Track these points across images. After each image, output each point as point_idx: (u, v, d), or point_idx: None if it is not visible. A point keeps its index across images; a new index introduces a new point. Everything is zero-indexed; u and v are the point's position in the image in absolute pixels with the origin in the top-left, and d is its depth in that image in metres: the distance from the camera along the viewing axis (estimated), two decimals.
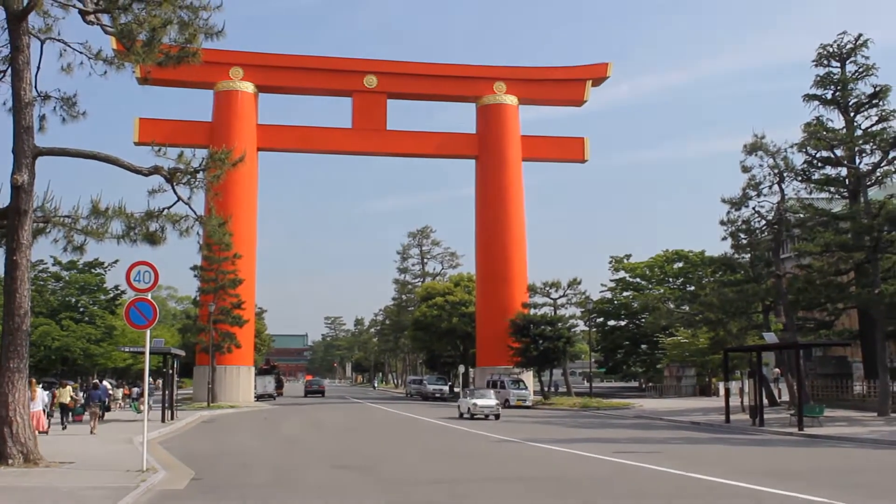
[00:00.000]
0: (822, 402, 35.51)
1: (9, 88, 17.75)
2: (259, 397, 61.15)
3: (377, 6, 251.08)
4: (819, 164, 37.76)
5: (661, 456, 20.16)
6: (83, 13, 18.02)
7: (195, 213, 19.07)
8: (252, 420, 38.41)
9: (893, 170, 35.42)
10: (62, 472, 16.11)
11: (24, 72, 17.58)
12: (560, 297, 57.98)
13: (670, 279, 70.08)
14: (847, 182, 37.76)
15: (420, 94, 63.68)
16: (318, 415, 43.38)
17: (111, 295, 68.97)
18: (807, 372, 39.58)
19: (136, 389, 47.31)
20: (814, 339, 40.17)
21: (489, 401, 37.60)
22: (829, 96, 37.93)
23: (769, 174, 37.86)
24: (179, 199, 18.76)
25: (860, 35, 37.60)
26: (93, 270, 67.46)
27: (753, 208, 39.07)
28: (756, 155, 37.76)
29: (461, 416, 37.66)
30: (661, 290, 67.67)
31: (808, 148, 36.92)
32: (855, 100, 37.28)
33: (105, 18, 18.28)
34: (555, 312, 57.72)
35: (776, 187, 38.19)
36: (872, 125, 36.80)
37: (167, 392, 36.04)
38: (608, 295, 71.99)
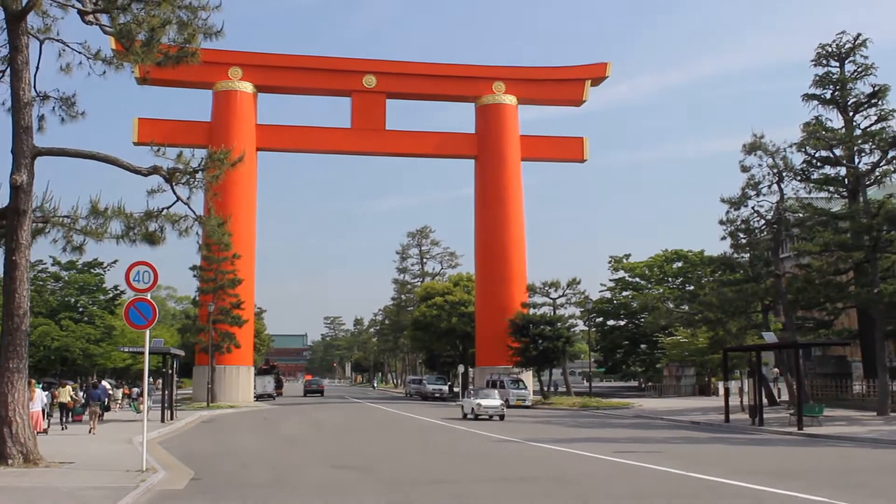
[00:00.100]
0: (822, 401, 35.52)
1: (8, 88, 17.77)
2: (258, 397, 61.15)
3: (376, 6, 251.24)
4: (818, 164, 37.78)
5: (661, 456, 20.17)
6: (82, 13, 18.01)
7: (194, 213, 19.08)
8: (251, 420, 38.40)
9: (892, 169, 35.44)
10: (62, 472, 16.10)
11: (23, 72, 17.57)
12: (559, 296, 58.07)
13: (669, 279, 70.09)
14: (846, 181, 37.78)
15: (419, 93, 63.67)
16: (317, 415, 43.37)
17: (110, 295, 68.93)
18: (806, 371, 39.60)
19: (135, 389, 47.27)
20: (813, 339, 40.20)
21: (494, 401, 36.88)
22: (828, 96, 37.94)
23: (768, 174, 37.92)
24: (178, 199, 18.76)
25: (859, 35, 37.63)
26: (92, 270, 67.42)
27: (753, 208, 39.14)
28: (755, 155, 37.82)
29: (465, 416, 37.24)
30: (661, 290, 67.69)
31: (808, 147, 36.94)
32: (854, 99, 37.29)
33: (104, 18, 18.26)
34: (554, 312, 57.74)
35: (775, 187, 38.25)
36: (871, 125, 36.82)
37: (167, 392, 36.01)
38: (607, 295, 72.01)
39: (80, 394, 34.42)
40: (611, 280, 72.94)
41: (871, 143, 35.69)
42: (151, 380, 63.97)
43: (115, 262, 67.52)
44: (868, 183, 36.06)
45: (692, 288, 61.79)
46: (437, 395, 63.70)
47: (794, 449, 22.97)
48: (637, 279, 71.47)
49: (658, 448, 22.55)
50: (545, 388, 58.75)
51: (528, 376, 58.38)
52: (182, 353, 41.66)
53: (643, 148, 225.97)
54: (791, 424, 29.58)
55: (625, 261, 72.31)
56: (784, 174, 37.79)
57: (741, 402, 38.37)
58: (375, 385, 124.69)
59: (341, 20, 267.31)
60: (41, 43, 18.55)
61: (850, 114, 37.50)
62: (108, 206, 18.29)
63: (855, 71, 37.48)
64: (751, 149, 37.76)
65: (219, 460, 19.86)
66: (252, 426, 34.11)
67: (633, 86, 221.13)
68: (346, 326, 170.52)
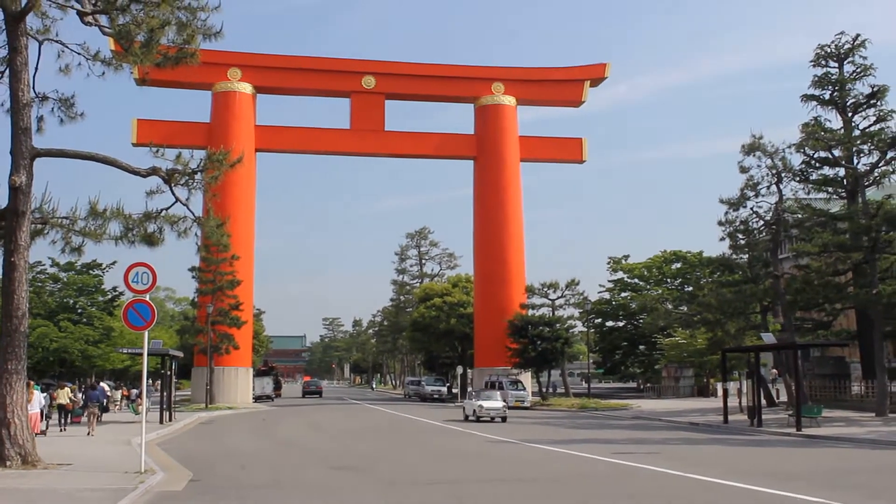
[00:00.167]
0: (820, 402, 35.54)
1: (6, 89, 17.78)
2: (257, 398, 61.12)
3: (375, 6, 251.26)
4: (817, 165, 37.81)
5: (660, 457, 20.17)
6: (81, 14, 18.01)
7: (193, 214, 19.08)
8: (250, 421, 38.37)
9: (891, 170, 35.45)
10: (60, 473, 16.09)
11: (22, 73, 17.57)
12: (558, 297, 58.10)
13: (668, 280, 70.13)
14: (845, 182, 37.81)
15: (418, 94, 63.67)
16: (316, 416, 43.34)
17: (109, 296, 68.87)
18: (805, 372, 39.63)
19: (134, 391, 47.28)
20: (812, 340, 40.22)
21: (496, 402, 36.28)
22: (827, 97, 37.99)
23: (767, 175, 37.94)
24: (177, 200, 18.76)
25: (858, 35, 37.68)
26: (91, 272, 67.37)
27: (751, 209, 39.18)
28: (754, 155, 37.84)
29: (466, 418, 36.70)
30: (660, 291, 67.71)
31: (806, 148, 36.97)
32: (853, 100, 37.32)
33: (103, 19, 18.26)
34: (553, 313, 57.76)
35: (774, 188, 38.27)
36: (870, 125, 36.85)
37: (165, 393, 35.99)
38: (606, 296, 72.05)
39: (79, 395, 34.40)
40: (609, 281, 73.04)
41: (869, 144, 35.73)
42: (150, 381, 64.04)
43: (113, 263, 67.62)
44: (867, 184, 36.09)
45: (691, 289, 61.82)
46: (435, 396, 63.66)
47: (793, 450, 22.98)
48: (636, 280, 71.51)
49: (657, 449, 22.56)
50: (544, 390, 58.77)
51: (526, 377, 58.39)
52: (181, 354, 41.63)
53: (642, 148, 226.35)
54: (790, 425, 29.59)
55: (623, 262, 72.35)
56: (783, 175, 37.82)
57: (740, 403, 38.38)
58: (374, 386, 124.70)
59: (340, 21, 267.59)
60: (40, 44, 18.56)
61: (849, 114, 37.53)
62: (106, 208, 18.29)
63: (854, 71, 37.52)
64: (749, 149, 37.79)
65: (217, 461, 19.85)
66: (251, 427, 34.09)
67: (633, 86, 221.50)
68: (344, 328, 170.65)
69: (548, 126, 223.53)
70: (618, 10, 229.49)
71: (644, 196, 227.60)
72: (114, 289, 68.93)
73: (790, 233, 40.38)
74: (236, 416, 42.74)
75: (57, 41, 18.73)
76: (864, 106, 37.16)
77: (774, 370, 44.03)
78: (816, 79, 37.99)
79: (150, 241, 18.65)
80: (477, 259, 62.88)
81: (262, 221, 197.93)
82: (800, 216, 38.82)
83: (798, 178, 37.96)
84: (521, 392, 51.29)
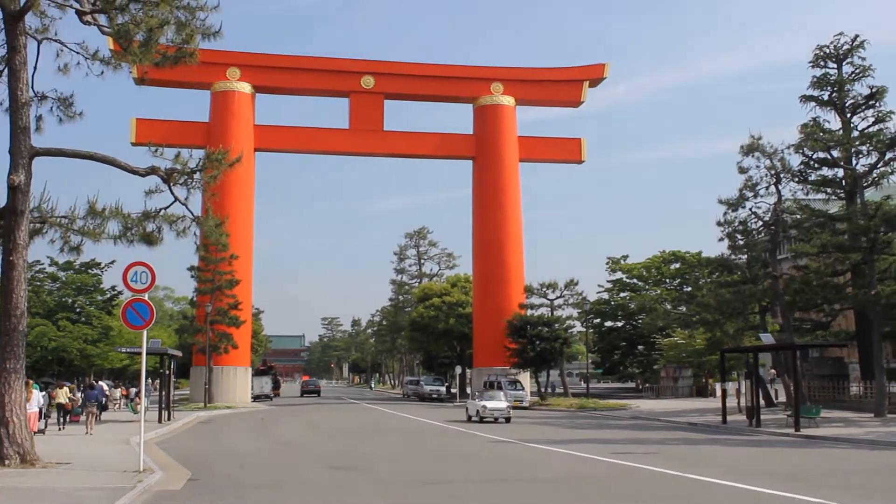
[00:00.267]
0: (819, 402, 35.56)
1: (5, 89, 17.79)
2: (256, 398, 61.12)
3: (374, 6, 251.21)
4: (816, 166, 37.83)
5: (659, 457, 20.18)
6: (80, 13, 18.00)
7: (192, 213, 19.09)
8: (249, 421, 38.36)
9: (890, 171, 35.49)
10: (59, 472, 16.09)
11: (21, 72, 17.56)
12: (557, 297, 58.11)
13: (667, 280, 70.13)
14: (844, 183, 37.84)
15: (417, 94, 63.66)
16: (314, 416, 43.34)
17: (108, 295, 68.88)
18: (803, 373, 39.65)
19: (133, 390, 47.25)
20: (810, 340, 40.24)
21: (499, 403, 35.48)
22: (825, 97, 38.01)
23: (766, 175, 37.97)
24: (176, 199, 18.76)
25: (857, 36, 37.72)
26: (89, 271, 67.37)
27: (750, 209, 39.20)
28: (753, 156, 37.87)
29: (469, 418, 36.12)
30: (658, 291, 67.73)
31: (805, 149, 36.99)
32: (851, 101, 37.35)
33: (102, 19, 18.26)
34: (552, 313, 57.76)
35: (773, 188, 38.29)
36: (869, 126, 36.90)
37: (164, 392, 35.98)
38: (605, 296, 72.05)
39: (78, 395, 34.41)
40: (608, 281, 73.03)
41: (868, 145, 35.75)
42: (150, 381, 64.05)
43: (112, 262, 67.56)
44: (865, 184, 36.12)
45: (690, 289, 61.82)
46: (434, 395, 63.66)
47: (791, 450, 22.99)
48: (634, 280, 71.51)
49: (655, 449, 22.57)
50: (542, 390, 58.78)
51: (525, 377, 58.40)
52: (179, 353, 41.61)
53: (641, 149, 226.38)
54: (788, 426, 29.60)
55: (622, 262, 72.36)
56: (782, 176, 37.85)
57: (738, 403, 38.40)
58: (373, 386, 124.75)
59: (339, 21, 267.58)
60: (39, 43, 18.55)
61: (848, 115, 37.55)
62: (105, 207, 18.29)
63: (853, 72, 37.55)
64: (748, 150, 37.81)
65: (216, 461, 19.84)
66: (249, 427, 34.08)
67: (632, 86, 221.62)
68: (343, 327, 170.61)
69: (547, 126, 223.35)
70: (617, 10, 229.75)
71: (643, 196, 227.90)
72: (112, 288, 68.99)
73: (789, 233, 40.40)
74: (235, 416, 42.73)
75: (56, 40, 18.75)
76: (863, 107, 37.19)
77: (773, 370, 44.08)
78: (815, 79, 38.01)
79: (149, 240, 18.66)
80: (476, 259, 62.88)
81: (260, 221, 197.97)
82: (798, 217, 38.84)
83: (797, 179, 37.99)
84: (520, 392, 51.29)
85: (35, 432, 22.05)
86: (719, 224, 39.66)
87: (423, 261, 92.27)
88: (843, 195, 38.38)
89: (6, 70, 17.77)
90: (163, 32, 17.83)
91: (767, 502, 13.22)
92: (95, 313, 65.73)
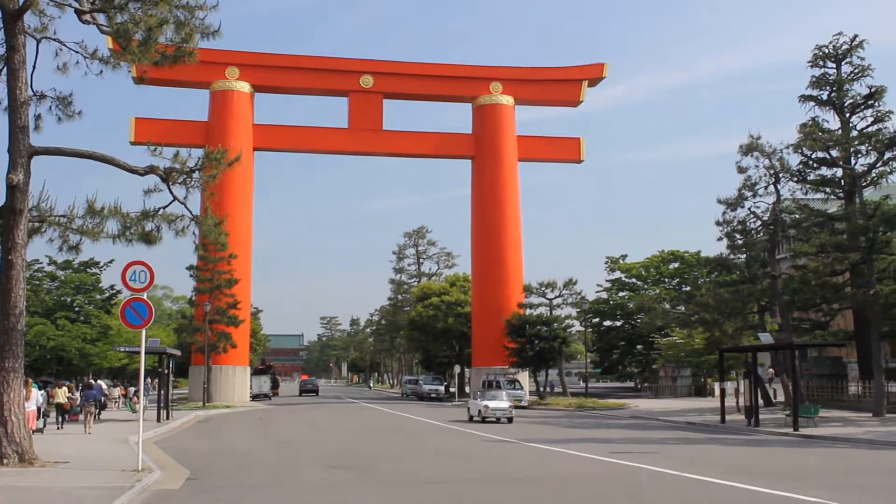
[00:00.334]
0: (818, 402, 35.58)
1: (4, 88, 17.79)
2: (255, 397, 61.14)
3: (373, 6, 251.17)
4: (815, 165, 37.87)
5: (658, 456, 20.19)
6: (79, 12, 18.00)
7: (191, 212, 19.09)
8: (248, 420, 38.37)
9: (889, 170, 35.52)
10: (57, 471, 16.09)
11: (20, 71, 17.56)
12: (556, 297, 58.12)
13: (666, 279, 70.11)
14: (842, 183, 37.86)
15: (416, 94, 63.64)
16: (313, 415, 43.35)
17: (107, 294, 68.85)
18: (802, 372, 39.67)
19: (132, 389, 47.24)
20: (809, 340, 40.24)
21: (502, 402, 35.03)
22: (824, 97, 38.03)
23: (765, 175, 38.02)
24: (175, 198, 18.77)
25: (856, 36, 37.73)
26: (88, 270, 67.34)
27: (749, 209, 39.23)
28: (752, 156, 37.90)
29: (471, 418, 35.77)
30: (657, 291, 67.69)
31: (804, 149, 37.03)
32: (850, 101, 37.37)
33: (101, 18, 18.25)
34: (550, 313, 57.77)
35: (772, 188, 38.33)
36: (868, 126, 36.92)
37: (163, 392, 35.99)
38: (604, 295, 72.01)
39: (77, 394, 34.44)
40: (607, 281, 72.97)
41: (867, 145, 35.77)
42: (149, 380, 63.99)
43: (111, 261, 67.58)
44: (864, 184, 36.15)
45: (688, 289, 61.72)
46: (433, 395, 63.69)
47: (790, 450, 23.01)
48: (633, 280, 71.49)
49: (654, 449, 22.58)
50: (541, 389, 58.80)
51: (524, 377, 58.43)
52: (178, 352, 41.63)
53: (640, 148, 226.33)
54: (787, 425, 29.61)
55: (621, 261, 72.32)
56: (780, 175, 37.88)
57: (737, 402, 38.41)
58: (371, 385, 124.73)
59: (338, 20, 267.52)
60: (38, 42, 18.55)
61: (847, 115, 37.57)
62: (104, 206, 18.30)
63: (852, 72, 37.56)
64: (747, 150, 37.84)
65: (215, 460, 19.84)
66: (248, 426, 34.09)
67: (631, 86, 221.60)
68: (342, 326, 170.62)
69: (546, 126, 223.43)
70: (617, 10, 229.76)
71: (642, 196, 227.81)
72: (111, 287, 68.97)
73: (788, 233, 40.41)
74: (234, 415, 42.74)
75: (55, 39, 18.74)
76: (862, 106, 37.22)
77: (771, 370, 44.11)
78: (814, 79, 38.03)
79: (148, 239, 18.66)
80: (475, 258, 62.88)
81: (259, 220, 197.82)
82: (797, 216, 38.87)
83: (796, 179, 38.02)
84: (519, 391, 51.29)
85: (33, 431, 22.06)
86: (718, 224, 39.71)
87: (421, 260, 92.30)
88: (841, 195, 38.40)
89: (5, 69, 17.77)
90: (162, 31, 17.83)
91: (766, 502, 13.23)
92: (94, 312, 65.71)
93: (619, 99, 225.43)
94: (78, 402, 30.72)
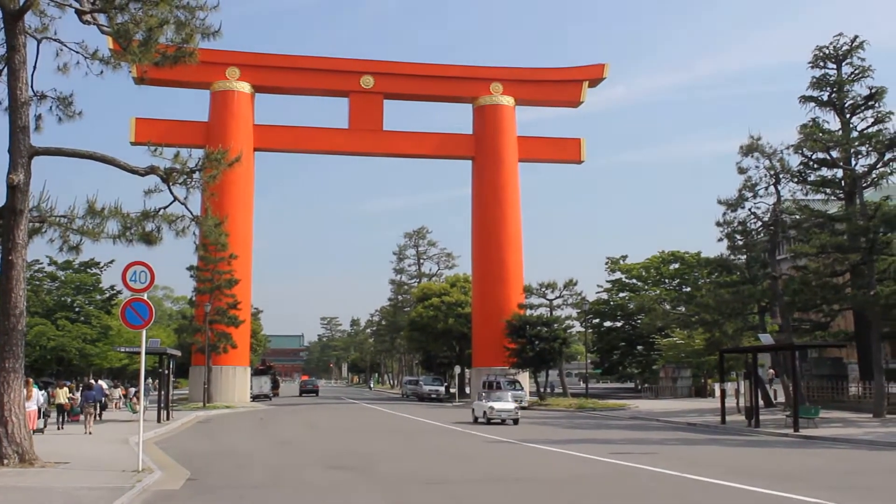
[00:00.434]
0: (818, 403, 35.56)
1: (5, 88, 17.79)
2: (255, 397, 61.13)
3: (374, 6, 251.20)
4: (815, 166, 37.85)
5: (658, 457, 20.19)
6: (80, 13, 18.00)
7: (191, 213, 19.09)
8: (248, 420, 38.36)
9: (889, 171, 35.50)
10: (58, 472, 16.09)
11: (21, 71, 17.56)
12: (556, 297, 58.12)
13: (666, 280, 70.12)
14: (843, 184, 37.85)
15: (417, 94, 63.61)
16: (313, 415, 43.35)
17: (107, 295, 68.83)
18: (802, 373, 39.66)
19: (132, 389, 47.23)
20: (809, 341, 40.24)
21: (507, 404, 34.47)
22: (825, 98, 38.03)
23: (765, 175, 37.98)
24: (175, 199, 18.77)
25: (856, 37, 37.73)
26: (88, 270, 67.32)
27: (749, 209, 39.21)
28: (752, 156, 37.89)
29: (476, 420, 35.31)
30: (657, 292, 67.72)
31: (804, 149, 37.01)
32: (851, 101, 37.36)
33: (101, 18, 18.26)
34: (551, 313, 57.77)
35: (772, 189, 38.32)
36: (868, 127, 36.92)
37: (163, 392, 35.98)
38: (604, 296, 72.03)
39: (77, 394, 34.45)
40: (607, 281, 73.00)
41: (867, 145, 35.77)
42: (149, 380, 63.99)
43: (111, 261, 67.57)
44: (865, 185, 36.14)
45: (689, 289, 61.84)
46: (433, 395, 63.69)
47: (790, 450, 23.00)
48: (634, 280, 71.49)
49: (654, 449, 22.57)
50: (542, 390, 58.80)
51: (524, 377, 58.40)
52: (178, 353, 41.60)
53: (640, 149, 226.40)
54: (787, 426, 29.60)
55: (621, 262, 72.33)
56: (781, 176, 37.86)
57: (737, 403, 38.39)
58: (372, 386, 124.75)
59: (339, 21, 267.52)
60: (38, 42, 18.55)
61: (847, 116, 37.57)
62: (104, 206, 18.30)
63: (852, 73, 37.55)
64: (748, 150, 37.82)
65: (215, 460, 19.84)
66: (248, 426, 34.08)
67: (631, 86, 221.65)
68: (342, 327, 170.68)
69: (546, 126, 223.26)
70: (617, 10, 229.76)
71: (642, 196, 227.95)
72: (112, 287, 68.96)
73: (788, 234, 40.40)
74: (234, 415, 42.73)
75: (55, 40, 18.74)
76: (863, 107, 37.21)
77: (772, 371, 44.08)
78: (815, 80, 38.03)
79: (149, 239, 18.66)
80: (475, 259, 62.87)
81: (260, 220, 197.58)
82: (798, 217, 38.86)
83: (796, 180, 38.00)
84: (519, 392, 51.11)
85: (34, 431, 22.06)
86: (718, 224, 39.69)
87: (422, 261, 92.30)
88: (842, 195, 38.40)
89: (6, 69, 17.77)
90: (162, 32, 17.83)
91: (766, 502, 13.23)
92: (94, 313, 65.69)
93: (619, 99, 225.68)
94: (78, 403, 30.72)
